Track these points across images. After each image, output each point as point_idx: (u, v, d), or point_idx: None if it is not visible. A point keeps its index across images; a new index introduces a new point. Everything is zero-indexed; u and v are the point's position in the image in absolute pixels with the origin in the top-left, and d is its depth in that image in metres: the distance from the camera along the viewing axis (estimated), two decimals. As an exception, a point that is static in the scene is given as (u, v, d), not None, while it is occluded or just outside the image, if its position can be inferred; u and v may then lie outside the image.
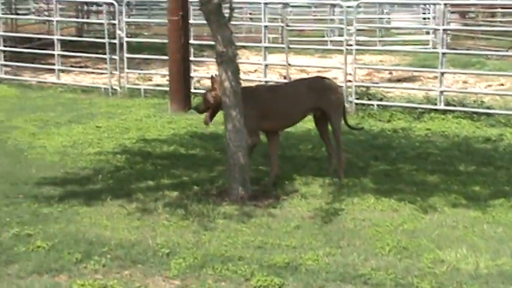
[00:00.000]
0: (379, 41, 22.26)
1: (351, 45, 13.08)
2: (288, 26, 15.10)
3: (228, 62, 7.83)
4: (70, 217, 7.31)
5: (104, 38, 15.53)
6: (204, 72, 16.30)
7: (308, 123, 11.74)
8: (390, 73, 18.09)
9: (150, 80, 16.60)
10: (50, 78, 16.70)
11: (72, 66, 18.02)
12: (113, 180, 8.60)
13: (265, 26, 14.27)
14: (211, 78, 8.55)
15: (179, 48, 13.06)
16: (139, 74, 16.38)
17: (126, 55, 14.97)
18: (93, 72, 17.55)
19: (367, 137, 10.96)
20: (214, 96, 8.33)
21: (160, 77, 16.77)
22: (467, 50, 20.51)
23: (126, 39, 14.99)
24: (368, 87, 13.62)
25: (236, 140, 7.87)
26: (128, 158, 9.64)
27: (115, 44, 15.03)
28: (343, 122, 8.95)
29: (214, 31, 7.84)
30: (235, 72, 7.88)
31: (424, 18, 26.98)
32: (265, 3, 14.32)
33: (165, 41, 13.88)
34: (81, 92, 15.34)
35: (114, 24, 15.25)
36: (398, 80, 17.18)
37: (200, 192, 8.12)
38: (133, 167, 9.17)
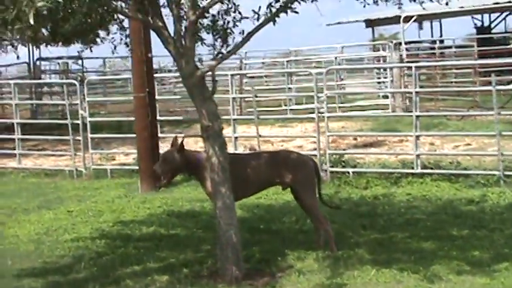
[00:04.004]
0: (339, 107, 22.13)
1: (322, 112, 12.91)
2: (256, 96, 14.81)
3: (215, 136, 7.52)
4: (58, 311, 6.88)
5: (60, 118, 15.18)
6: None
7: (286, 195, 11.48)
8: (355, 139, 17.93)
9: (114, 159, 16.20)
10: (9, 163, 16.24)
11: (29, 150, 17.58)
12: (96, 267, 8.15)
13: (233, 98, 14.00)
14: (174, 139, 8.36)
15: (146, 125, 12.74)
16: (106, 154, 15.94)
17: (90, 135, 14.58)
18: (53, 155, 17.11)
19: (350, 206, 10.68)
20: (176, 157, 8.13)
21: (123, 155, 16.46)
22: (427, 111, 20.43)
23: (89, 119, 14.62)
24: (341, 155, 13.37)
25: (227, 217, 7.52)
26: (108, 242, 9.20)
27: (77, 124, 14.70)
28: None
29: (199, 105, 7.53)
30: (222, 147, 7.57)
31: (379, 83, 27.09)
32: (232, 75, 14.11)
33: (128, 118, 13.63)
34: (44, 175, 14.87)
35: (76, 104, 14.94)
36: (365, 146, 17.01)
37: (191, 274, 7.72)
38: (115, 252, 8.72)
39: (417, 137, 12.51)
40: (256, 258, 8.11)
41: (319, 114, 12.91)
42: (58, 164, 15.93)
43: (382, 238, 8.81)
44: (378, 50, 28.52)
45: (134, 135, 15.14)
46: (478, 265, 7.56)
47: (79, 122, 14.65)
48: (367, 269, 7.57)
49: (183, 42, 7.42)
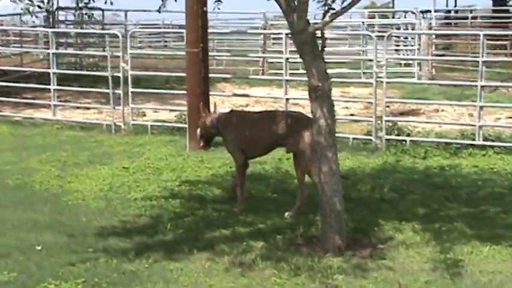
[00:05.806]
0: (364, 72, 21.61)
1: (380, 77, 12.46)
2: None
3: (324, 97, 7.08)
4: (163, 274, 6.43)
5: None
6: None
7: (347, 161, 11.08)
8: (388, 106, 17.49)
9: (144, 115, 15.65)
10: (35, 113, 15.74)
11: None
12: (182, 229, 7.72)
13: (287, 59, 13.41)
14: (200, 105, 9.14)
15: (199, 82, 12.19)
16: (138, 110, 15.39)
17: (131, 89, 14.03)
18: (78, 108, 16.59)
19: (420, 176, 10.25)
20: (203, 123, 8.68)
21: (152, 111, 15.99)
22: (454, 81, 19.99)
23: (131, 72, 14.04)
24: (395, 122, 12.92)
25: (332, 183, 7.10)
26: (183, 203, 8.75)
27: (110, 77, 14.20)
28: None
29: (308, 63, 7.08)
30: (331, 109, 7.13)
31: (397, 50, 26.58)
32: (287, 34, 13.39)
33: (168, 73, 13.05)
34: (79, 129, 14.32)
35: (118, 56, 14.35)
36: (401, 114, 16.61)
37: (286, 241, 7.31)
38: (195, 214, 8.28)
39: (481, 107, 12.07)
40: (350, 227, 7.67)
41: (378, 79, 12.44)
42: (87, 118, 15.42)
43: (474, 212, 8.42)
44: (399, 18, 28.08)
45: (173, 92, 14.80)
46: None
47: (120, 74, 14.04)
48: (476, 245, 7.19)
49: (296, -5, 6.95)
